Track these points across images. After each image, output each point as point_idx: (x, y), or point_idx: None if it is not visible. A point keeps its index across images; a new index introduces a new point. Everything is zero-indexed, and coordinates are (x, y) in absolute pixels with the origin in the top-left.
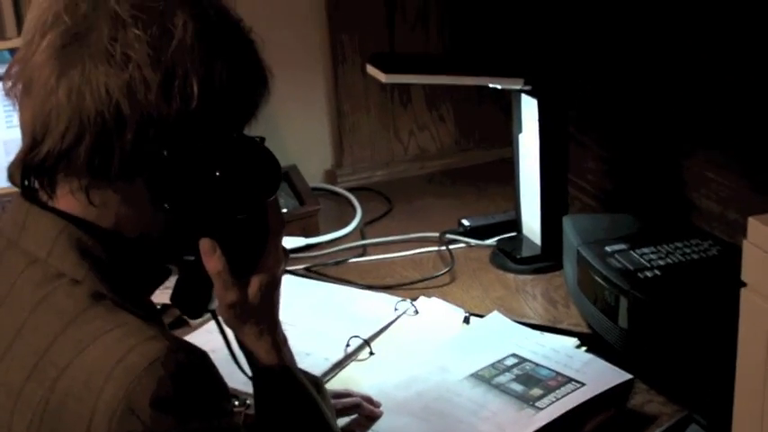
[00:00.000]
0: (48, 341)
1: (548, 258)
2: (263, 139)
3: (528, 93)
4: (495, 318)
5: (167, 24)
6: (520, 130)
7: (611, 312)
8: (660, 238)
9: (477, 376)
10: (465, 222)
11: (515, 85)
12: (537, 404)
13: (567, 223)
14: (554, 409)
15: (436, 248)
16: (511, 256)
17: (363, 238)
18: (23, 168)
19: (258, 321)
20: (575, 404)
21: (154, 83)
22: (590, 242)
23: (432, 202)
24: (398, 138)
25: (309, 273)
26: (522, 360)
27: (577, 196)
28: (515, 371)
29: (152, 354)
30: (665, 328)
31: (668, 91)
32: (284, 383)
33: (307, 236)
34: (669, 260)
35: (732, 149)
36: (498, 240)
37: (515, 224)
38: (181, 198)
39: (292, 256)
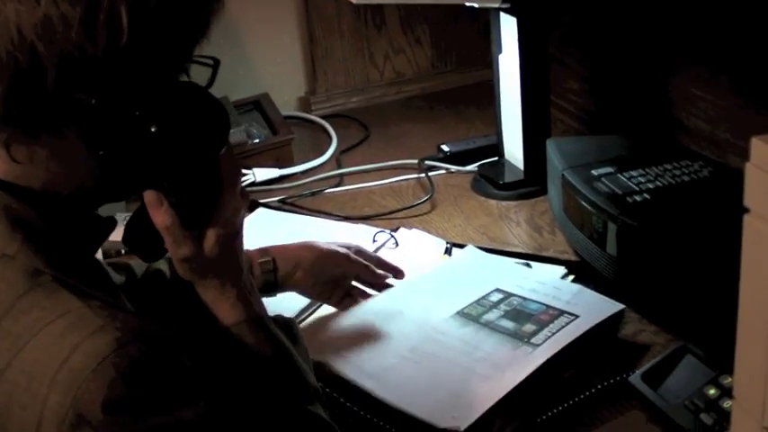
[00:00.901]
0: None
1: (531, 183)
2: (217, 61)
3: (506, 11)
4: (470, 251)
5: None
6: (499, 51)
7: (599, 239)
8: (648, 159)
9: (464, 314)
10: (444, 148)
11: (493, 3)
12: (532, 341)
13: (551, 146)
14: (552, 344)
15: (415, 176)
16: (493, 181)
17: (339, 167)
18: None
19: (219, 274)
20: (572, 338)
21: (74, 18)
22: (575, 166)
23: (409, 128)
24: (373, 62)
25: (284, 205)
26: (508, 295)
27: (560, 118)
28: (503, 307)
29: (99, 351)
30: (656, 254)
31: (652, 4)
32: (253, 337)
33: (280, 166)
34: (659, 183)
35: (720, 65)
36: (479, 166)
37: (497, 148)
38: (116, 148)
39: (266, 187)
